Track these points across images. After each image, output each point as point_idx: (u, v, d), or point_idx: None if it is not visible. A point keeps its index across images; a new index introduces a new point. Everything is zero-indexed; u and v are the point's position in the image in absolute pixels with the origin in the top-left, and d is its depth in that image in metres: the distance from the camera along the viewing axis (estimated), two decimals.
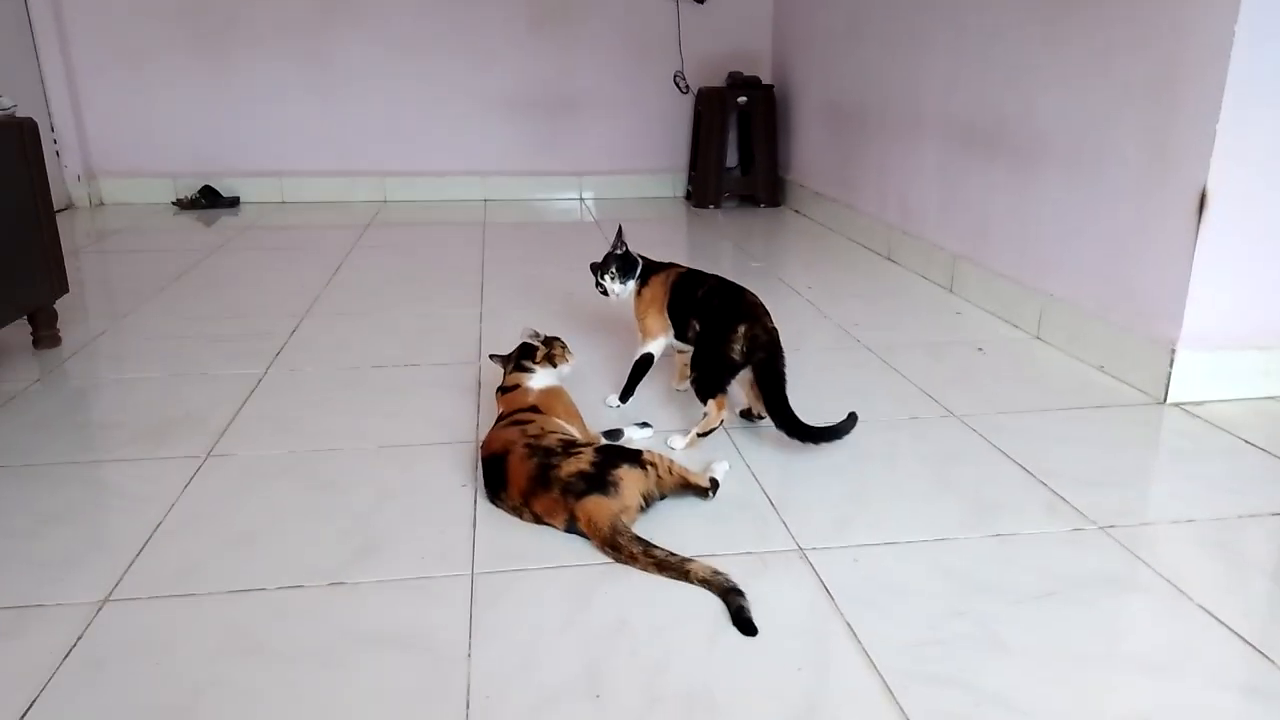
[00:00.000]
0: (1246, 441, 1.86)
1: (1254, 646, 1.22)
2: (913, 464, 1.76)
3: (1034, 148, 2.55)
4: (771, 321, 1.84)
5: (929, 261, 3.16)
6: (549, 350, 1.85)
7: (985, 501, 1.61)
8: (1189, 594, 1.34)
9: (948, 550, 1.45)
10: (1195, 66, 1.94)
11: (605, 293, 2.03)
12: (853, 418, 1.76)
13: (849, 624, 1.26)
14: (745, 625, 1.25)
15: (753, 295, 1.90)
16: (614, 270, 2.00)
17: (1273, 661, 1.19)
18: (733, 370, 1.81)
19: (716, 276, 1.98)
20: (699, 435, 1.84)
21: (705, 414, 1.83)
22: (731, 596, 1.30)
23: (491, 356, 1.92)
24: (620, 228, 2.07)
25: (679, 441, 1.84)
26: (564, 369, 1.86)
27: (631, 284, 2.02)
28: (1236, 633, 1.25)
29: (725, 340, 1.80)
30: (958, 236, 3.01)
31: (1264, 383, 2.07)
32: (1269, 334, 2.06)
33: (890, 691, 1.13)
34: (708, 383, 1.83)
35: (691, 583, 1.34)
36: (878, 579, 1.37)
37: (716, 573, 1.34)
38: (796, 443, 1.76)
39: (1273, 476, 1.72)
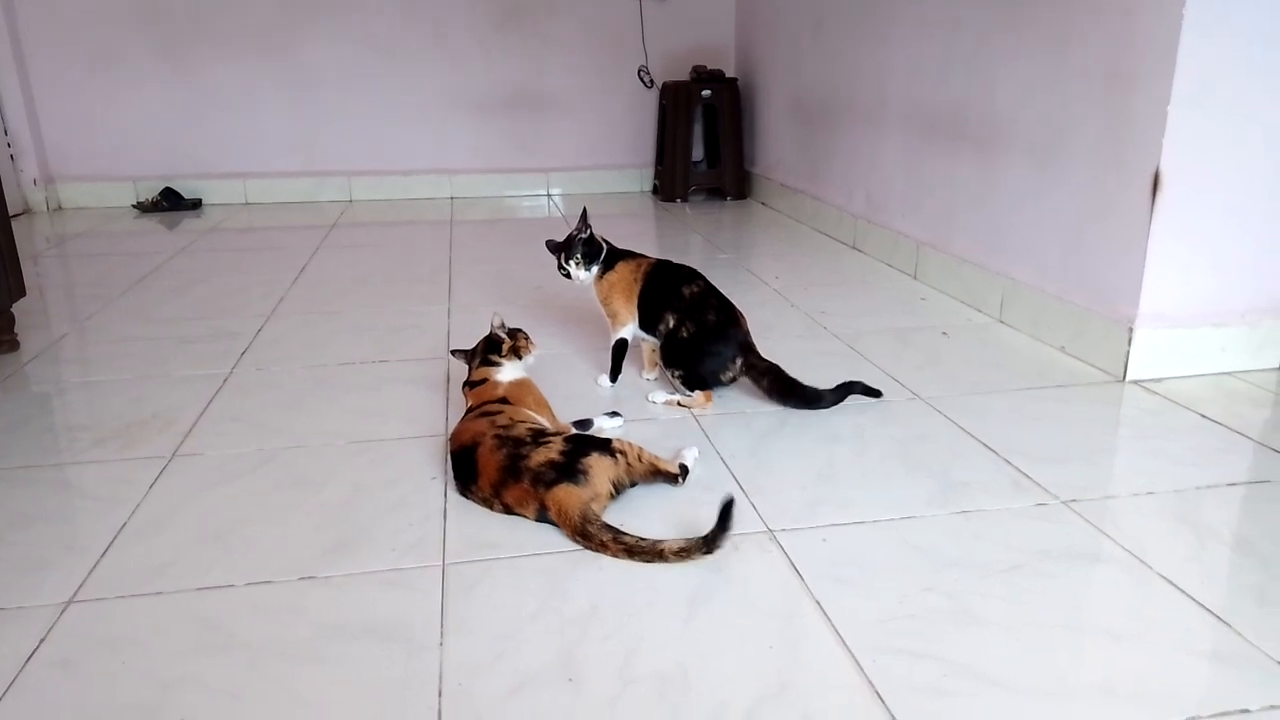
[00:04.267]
0: (1204, 416, 1.90)
1: (1214, 614, 1.25)
2: (880, 446, 1.78)
3: (994, 135, 2.59)
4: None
5: (894, 250, 3.19)
6: (514, 342, 1.85)
7: (952, 480, 1.63)
8: (1151, 564, 1.37)
9: (916, 528, 1.47)
10: (1147, 49, 1.98)
11: (568, 275, 2.04)
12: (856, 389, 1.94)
13: (819, 602, 1.28)
14: (729, 505, 1.34)
15: (741, 318, 1.96)
16: (579, 255, 2.01)
17: (1232, 628, 1.22)
18: (719, 385, 1.97)
19: (696, 274, 2.00)
20: (679, 404, 1.97)
21: (690, 395, 1.96)
22: (712, 535, 1.34)
23: (453, 352, 1.92)
24: (585, 210, 2.08)
25: (660, 396, 1.99)
26: (528, 359, 1.86)
27: (595, 268, 2.03)
28: (1198, 601, 1.28)
29: (722, 366, 1.93)
30: (922, 225, 3.04)
31: (1220, 358, 2.11)
32: (1224, 311, 2.11)
33: (860, 666, 1.14)
34: (697, 382, 1.95)
35: (667, 560, 1.35)
36: (847, 557, 1.39)
37: (689, 540, 1.35)
38: (765, 426, 1.83)
39: (1230, 449, 1.76)
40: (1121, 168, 2.09)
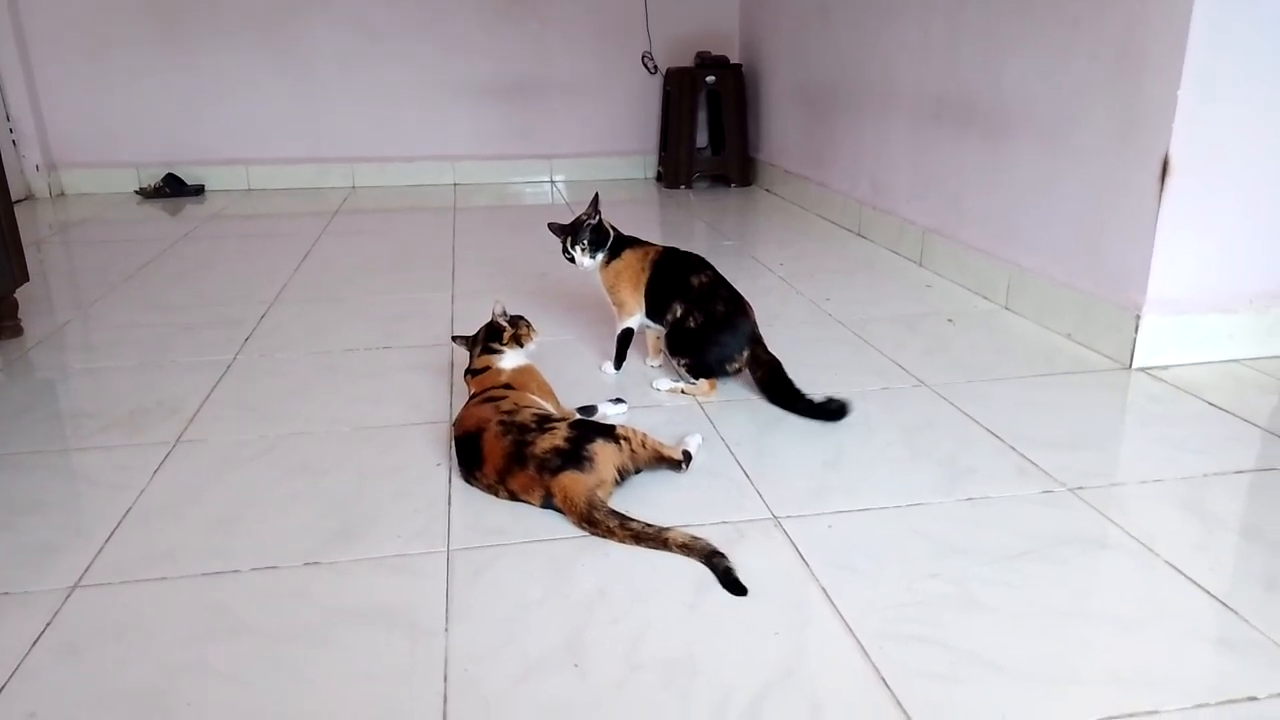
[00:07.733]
0: (1211, 403, 1.89)
1: (1221, 601, 1.24)
2: (886, 433, 1.77)
3: (1002, 121, 2.57)
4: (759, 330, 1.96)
5: (900, 236, 3.18)
6: (515, 330, 1.84)
7: (958, 467, 1.63)
8: (1158, 552, 1.36)
9: (922, 515, 1.47)
10: (1157, 33, 1.96)
11: (572, 260, 2.02)
12: (842, 407, 1.81)
13: (824, 588, 1.27)
14: (734, 585, 1.27)
15: (750, 309, 1.95)
16: (585, 240, 1.99)
17: (1239, 615, 1.21)
18: (725, 375, 1.96)
19: (705, 263, 1.99)
20: (683, 391, 1.97)
21: (694, 383, 1.96)
22: (715, 559, 1.31)
23: (454, 338, 1.91)
24: (596, 196, 2.06)
25: (664, 384, 2.00)
26: (530, 347, 1.85)
27: (601, 255, 2.01)
28: (1204, 588, 1.27)
29: (729, 357, 1.91)
30: (928, 211, 3.03)
31: (1228, 345, 2.10)
32: (1232, 298, 2.10)
33: (866, 652, 1.14)
34: (703, 371, 1.95)
35: (671, 550, 1.35)
36: (852, 544, 1.39)
37: (695, 538, 1.35)
38: (771, 414, 1.84)
39: (1237, 436, 1.75)
40: (1130, 153, 2.07)
